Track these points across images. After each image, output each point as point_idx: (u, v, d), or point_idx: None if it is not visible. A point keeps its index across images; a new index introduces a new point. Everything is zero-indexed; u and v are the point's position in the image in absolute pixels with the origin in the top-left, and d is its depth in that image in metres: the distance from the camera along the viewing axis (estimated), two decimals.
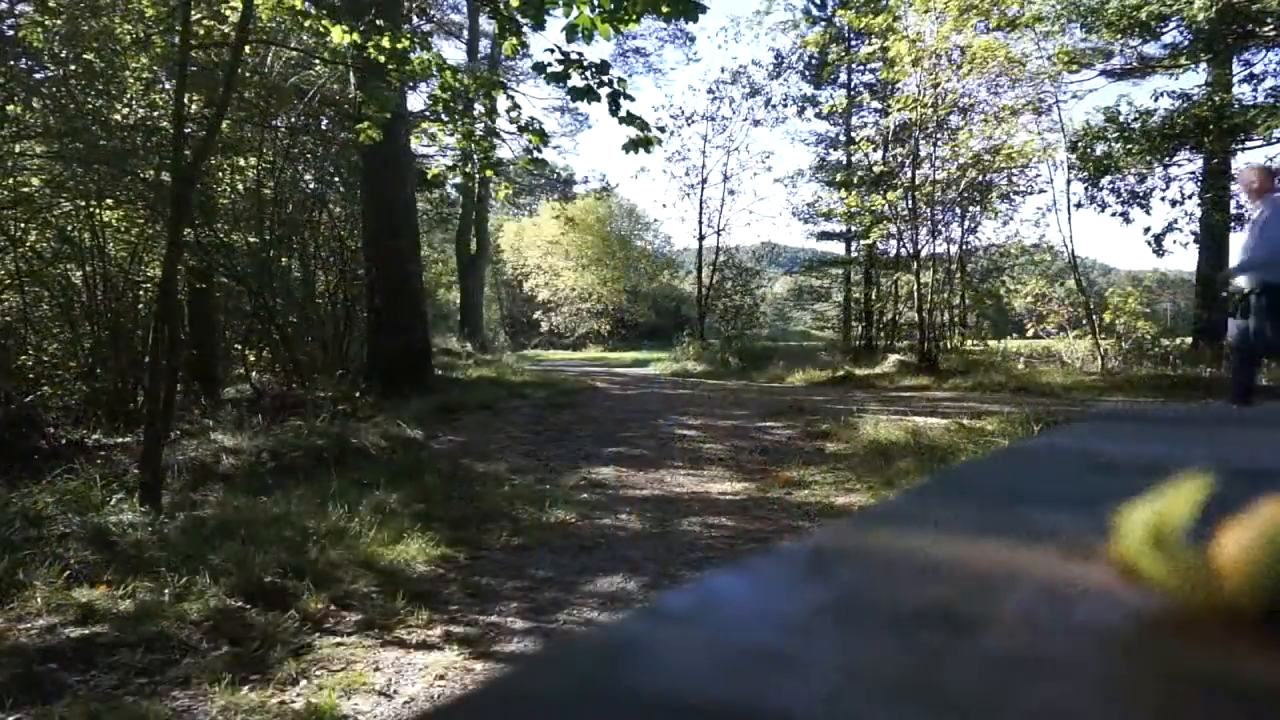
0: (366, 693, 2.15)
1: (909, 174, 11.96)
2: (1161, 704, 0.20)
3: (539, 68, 5.23)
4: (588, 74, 5.07)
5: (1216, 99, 10.53)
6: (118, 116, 7.60)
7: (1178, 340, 11.20)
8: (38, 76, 7.18)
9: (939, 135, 11.66)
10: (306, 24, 6.40)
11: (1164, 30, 10.80)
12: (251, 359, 8.69)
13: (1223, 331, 5.59)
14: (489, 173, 6.72)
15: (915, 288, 11.77)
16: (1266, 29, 10.01)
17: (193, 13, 5.23)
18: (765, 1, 14.76)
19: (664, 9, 4.79)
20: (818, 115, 18.87)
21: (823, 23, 17.01)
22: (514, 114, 6.00)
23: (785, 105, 18.85)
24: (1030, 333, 11.94)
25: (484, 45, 20.11)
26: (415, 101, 11.25)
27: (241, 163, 8.67)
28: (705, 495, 4.39)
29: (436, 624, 2.62)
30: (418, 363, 8.41)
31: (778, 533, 3.62)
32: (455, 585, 3.00)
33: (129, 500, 3.75)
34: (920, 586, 0.29)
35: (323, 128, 9.87)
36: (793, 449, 5.57)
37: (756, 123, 18.23)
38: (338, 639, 2.50)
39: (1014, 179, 12.48)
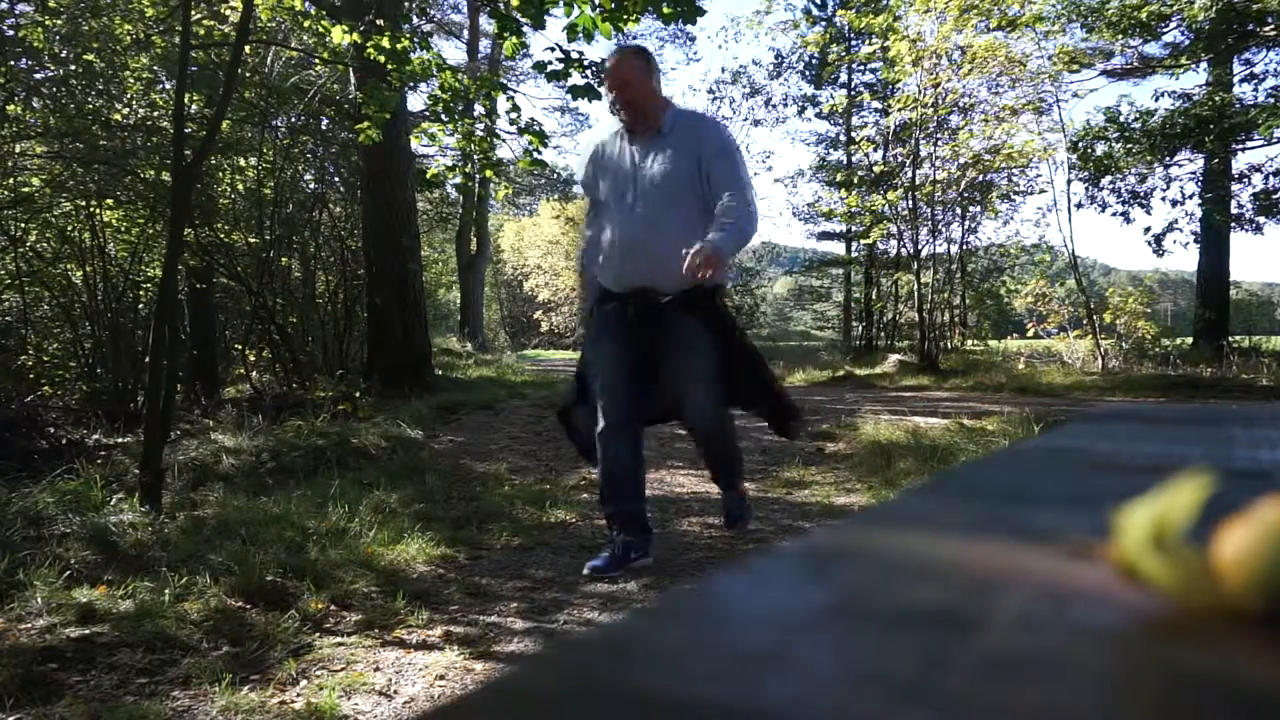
0: (366, 693, 2.15)
1: (909, 174, 11.96)
2: (1161, 704, 0.20)
3: (540, 66, 5.23)
4: (588, 72, 5.07)
5: (1217, 99, 10.55)
6: (118, 116, 7.60)
7: (1178, 340, 11.22)
8: (38, 76, 7.18)
9: (939, 135, 11.67)
10: (306, 24, 6.41)
11: (1164, 30, 10.81)
12: (251, 359, 8.70)
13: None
14: (489, 173, 6.72)
15: (915, 288, 11.78)
16: (1266, 29, 10.01)
17: (193, 13, 5.23)
18: (765, 1, 14.75)
19: (664, 10, 4.79)
20: (818, 115, 18.90)
21: (823, 23, 17.01)
22: (514, 115, 6.00)
23: (785, 105, 18.90)
24: (1030, 333, 11.95)
25: (484, 45, 20.12)
26: (415, 101, 11.25)
27: (241, 163, 8.68)
28: (705, 495, 4.39)
29: (436, 624, 2.62)
30: (418, 363, 8.41)
31: (777, 533, 3.62)
32: (455, 585, 2.99)
33: (129, 500, 3.75)
34: (920, 586, 0.29)
35: (323, 128, 9.88)
36: (793, 449, 5.56)
37: (757, 123, 18.27)
38: (338, 639, 2.50)
39: (1014, 179, 12.50)
